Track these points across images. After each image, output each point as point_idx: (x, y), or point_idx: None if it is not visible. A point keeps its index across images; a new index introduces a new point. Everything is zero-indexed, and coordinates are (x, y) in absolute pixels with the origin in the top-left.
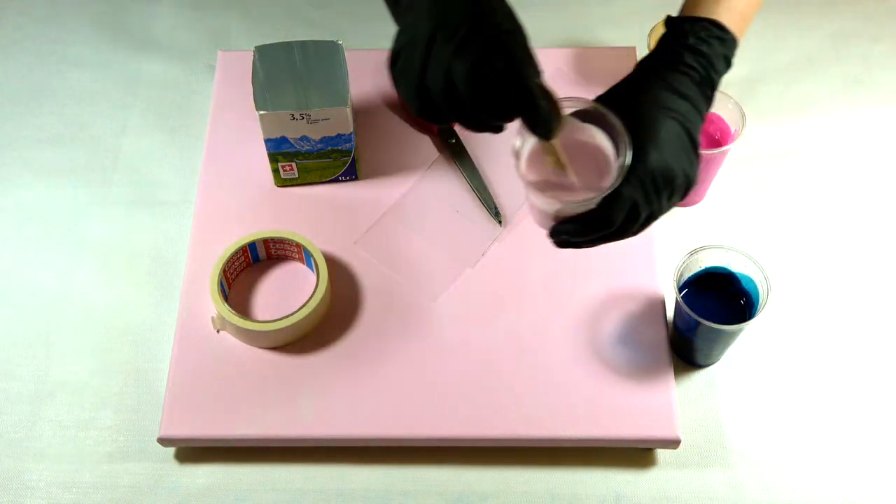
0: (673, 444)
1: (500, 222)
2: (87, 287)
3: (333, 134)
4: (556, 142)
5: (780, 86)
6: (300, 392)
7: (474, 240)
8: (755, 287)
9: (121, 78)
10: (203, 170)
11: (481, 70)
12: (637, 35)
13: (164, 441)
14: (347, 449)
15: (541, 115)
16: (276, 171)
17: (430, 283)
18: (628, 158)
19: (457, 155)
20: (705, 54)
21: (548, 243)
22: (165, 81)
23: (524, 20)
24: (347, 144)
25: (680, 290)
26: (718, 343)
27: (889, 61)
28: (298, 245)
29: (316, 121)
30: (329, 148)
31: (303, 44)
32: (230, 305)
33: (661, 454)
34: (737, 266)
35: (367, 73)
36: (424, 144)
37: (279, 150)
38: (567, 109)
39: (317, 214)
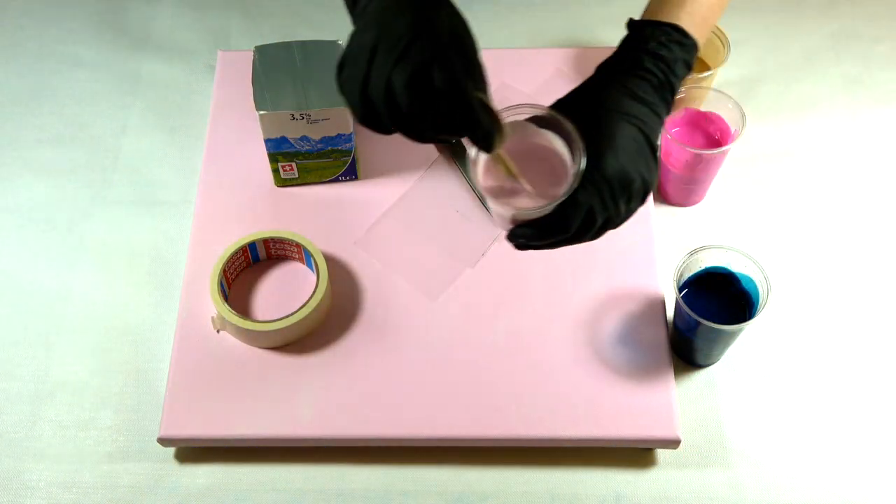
0: (673, 444)
1: None
2: (87, 287)
3: (333, 134)
4: (503, 153)
5: (780, 86)
6: (300, 392)
7: (474, 240)
8: (755, 287)
9: (121, 78)
10: (203, 170)
11: (419, 82)
12: None
13: (164, 441)
14: (347, 449)
15: (480, 129)
16: (276, 171)
17: (430, 283)
18: (582, 165)
19: (457, 155)
20: (665, 59)
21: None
22: (165, 81)
23: (524, 20)
24: (347, 144)
25: (680, 290)
26: (718, 343)
27: (889, 61)
28: (298, 245)
29: (316, 121)
30: (329, 148)
31: (303, 44)
32: (230, 305)
33: (661, 454)
34: (737, 266)
35: None
36: (424, 145)
37: (279, 150)
38: (521, 116)
39: (317, 214)
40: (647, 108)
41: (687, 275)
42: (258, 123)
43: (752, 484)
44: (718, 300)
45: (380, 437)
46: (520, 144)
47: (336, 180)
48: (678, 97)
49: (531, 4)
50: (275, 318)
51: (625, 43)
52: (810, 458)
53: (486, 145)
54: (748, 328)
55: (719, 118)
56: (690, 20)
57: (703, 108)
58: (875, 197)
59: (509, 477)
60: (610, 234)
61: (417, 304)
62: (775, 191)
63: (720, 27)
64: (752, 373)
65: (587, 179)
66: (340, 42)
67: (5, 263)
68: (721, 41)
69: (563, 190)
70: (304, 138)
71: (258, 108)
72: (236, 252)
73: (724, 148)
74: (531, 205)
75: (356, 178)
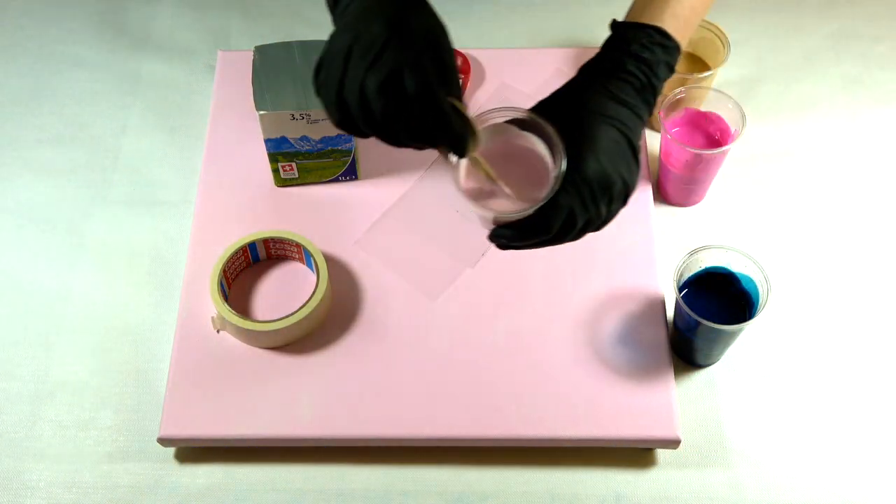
0: (673, 444)
1: None
2: (87, 287)
3: (333, 134)
4: (480, 157)
5: (779, 86)
6: (300, 392)
7: (474, 240)
8: (755, 287)
9: (121, 78)
10: (203, 170)
11: (392, 87)
12: None
13: (164, 441)
14: (347, 449)
15: (452, 134)
16: (276, 171)
17: (430, 283)
18: (563, 167)
19: None
20: (647, 61)
21: None
22: (165, 81)
23: (524, 20)
24: (347, 144)
25: (680, 290)
26: (718, 343)
27: (889, 61)
28: (298, 245)
29: (316, 121)
30: (329, 148)
31: (303, 44)
32: (230, 305)
33: (661, 454)
34: (737, 266)
35: None
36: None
37: (279, 150)
38: (502, 119)
39: (317, 214)
40: (629, 110)
41: (687, 275)
42: (258, 123)
43: (752, 484)
44: (718, 300)
45: (380, 437)
46: (501, 147)
47: (336, 180)
48: (678, 97)
49: (531, 4)
50: (275, 318)
51: (607, 44)
52: (810, 458)
53: (459, 150)
54: (748, 328)
55: (719, 118)
56: (674, 22)
57: (703, 108)
58: (875, 197)
59: (509, 477)
60: (610, 234)
61: (417, 304)
62: (775, 191)
63: (720, 27)
64: (752, 373)
65: (568, 181)
66: None
67: (5, 263)
68: (721, 41)
69: (543, 193)
70: (304, 138)
71: (258, 108)
72: (236, 252)
73: (724, 148)
74: (511, 208)
75: (356, 178)
